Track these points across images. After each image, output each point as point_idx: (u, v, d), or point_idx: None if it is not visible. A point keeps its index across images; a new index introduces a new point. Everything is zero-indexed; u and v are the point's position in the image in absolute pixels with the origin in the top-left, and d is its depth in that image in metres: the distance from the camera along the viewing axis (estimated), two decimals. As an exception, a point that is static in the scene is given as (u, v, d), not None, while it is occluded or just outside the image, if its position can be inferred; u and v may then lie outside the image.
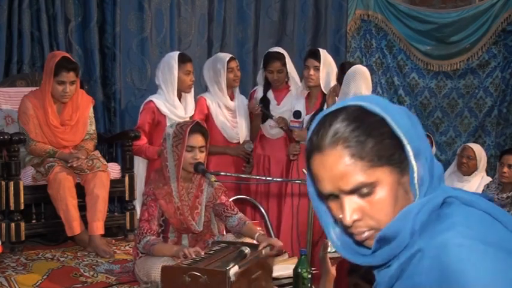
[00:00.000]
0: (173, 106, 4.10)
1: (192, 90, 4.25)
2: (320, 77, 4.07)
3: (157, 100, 4.09)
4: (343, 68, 3.83)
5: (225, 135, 4.36)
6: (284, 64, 4.34)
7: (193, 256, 2.77)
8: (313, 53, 4.17)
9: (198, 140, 3.06)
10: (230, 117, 4.40)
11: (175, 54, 4.15)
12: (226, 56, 4.35)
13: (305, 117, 4.10)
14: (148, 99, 4.13)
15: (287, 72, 4.38)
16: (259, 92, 4.48)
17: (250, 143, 4.41)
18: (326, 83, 4.08)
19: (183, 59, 4.10)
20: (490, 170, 5.22)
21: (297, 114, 4.05)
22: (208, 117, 4.29)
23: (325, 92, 4.07)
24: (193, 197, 3.14)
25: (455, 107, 5.95)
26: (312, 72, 4.09)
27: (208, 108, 4.29)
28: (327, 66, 4.07)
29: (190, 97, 4.23)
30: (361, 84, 3.72)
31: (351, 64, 3.88)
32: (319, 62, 4.08)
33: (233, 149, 4.38)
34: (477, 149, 4.90)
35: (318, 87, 4.11)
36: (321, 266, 2.60)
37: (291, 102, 4.30)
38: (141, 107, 4.15)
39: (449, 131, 5.97)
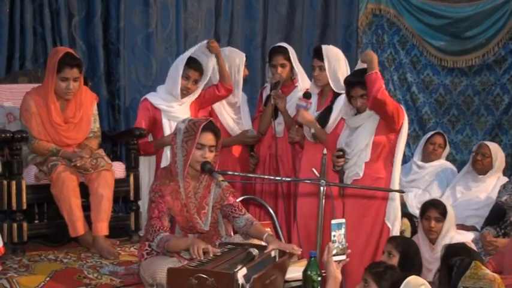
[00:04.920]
0: (168, 100, 4.13)
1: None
2: (328, 76, 4.03)
3: (152, 96, 4.17)
4: None
5: (230, 131, 4.37)
6: (288, 58, 4.35)
7: (202, 251, 2.79)
8: (316, 52, 4.12)
9: (209, 138, 3.07)
10: (233, 113, 4.41)
11: (186, 55, 4.17)
12: (242, 53, 4.41)
13: (315, 114, 4.08)
14: (143, 98, 4.21)
15: (292, 68, 4.37)
16: (268, 89, 4.46)
17: (252, 130, 4.38)
18: (335, 80, 4.03)
19: (189, 63, 4.12)
20: (507, 170, 5.18)
21: (307, 95, 4.03)
22: (211, 113, 4.32)
23: (336, 90, 4.03)
24: (200, 197, 3.15)
25: (471, 105, 5.88)
26: (316, 73, 4.07)
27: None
28: (333, 63, 4.01)
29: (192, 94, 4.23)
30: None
31: None
32: (323, 61, 4.02)
33: (237, 137, 4.35)
34: (493, 147, 4.87)
35: (328, 85, 4.07)
36: (325, 269, 2.61)
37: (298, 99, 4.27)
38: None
39: (465, 130, 5.92)
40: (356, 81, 3.74)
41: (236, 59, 4.33)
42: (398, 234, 3.83)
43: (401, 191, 3.58)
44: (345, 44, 5.62)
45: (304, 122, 4.00)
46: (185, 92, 4.13)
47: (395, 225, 3.79)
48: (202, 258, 2.78)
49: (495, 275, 3.02)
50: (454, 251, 3.17)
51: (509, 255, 3.78)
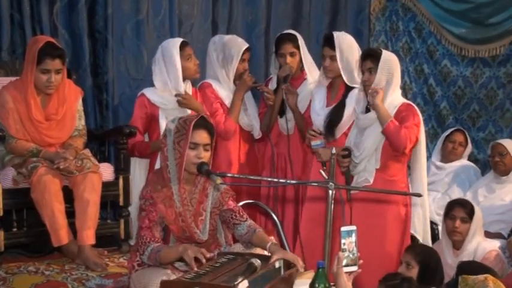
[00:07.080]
0: (167, 96, 4.12)
1: None
2: (339, 67, 4.01)
3: (149, 92, 4.16)
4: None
5: (240, 123, 4.36)
6: (297, 47, 4.34)
7: (198, 256, 2.78)
8: (327, 40, 4.09)
9: (202, 136, 3.06)
10: None
11: (174, 43, 4.16)
12: (244, 44, 4.37)
13: (325, 110, 4.05)
14: (140, 93, 4.21)
15: (301, 58, 4.36)
16: (274, 81, 4.47)
17: (248, 75, 4.31)
18: (348, 72, 4.02)
19: (181, 45, 4.15)
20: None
21: (286, 78, 4.13)
22: (221, 104, 4.32)
23: (348, 83, 4.01)
24: (196, 202, 3.14)
25: (495, 99, 5.88)
26: (327, 63, 4.05)
27: (219, 96, 4.32)
28: (346, 52, 4.00)
29: (189, 87, 4.23)
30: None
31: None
32: (335, 50, 4.00)
33: (240, 88, 4.28)
34: (508, 143, 4.88)
35: (340, 77, 4.05)
36: (335, 281, 2.60)
37: (309, 92, 4.28)
38: None
39: (488, 126, 5.92)
40: (367, 54, 3.82)
41: (231, 50, 4.30)
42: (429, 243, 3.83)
43: (417, 194, 3.52)
44: (356, 32, 5.62)
45: (325, 158, 3.87)
46: (195, 68, 4.19)
47: (422, 235, 3.79)
48: (203, 261, 2.77)
49: None
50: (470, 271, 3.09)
51: None
